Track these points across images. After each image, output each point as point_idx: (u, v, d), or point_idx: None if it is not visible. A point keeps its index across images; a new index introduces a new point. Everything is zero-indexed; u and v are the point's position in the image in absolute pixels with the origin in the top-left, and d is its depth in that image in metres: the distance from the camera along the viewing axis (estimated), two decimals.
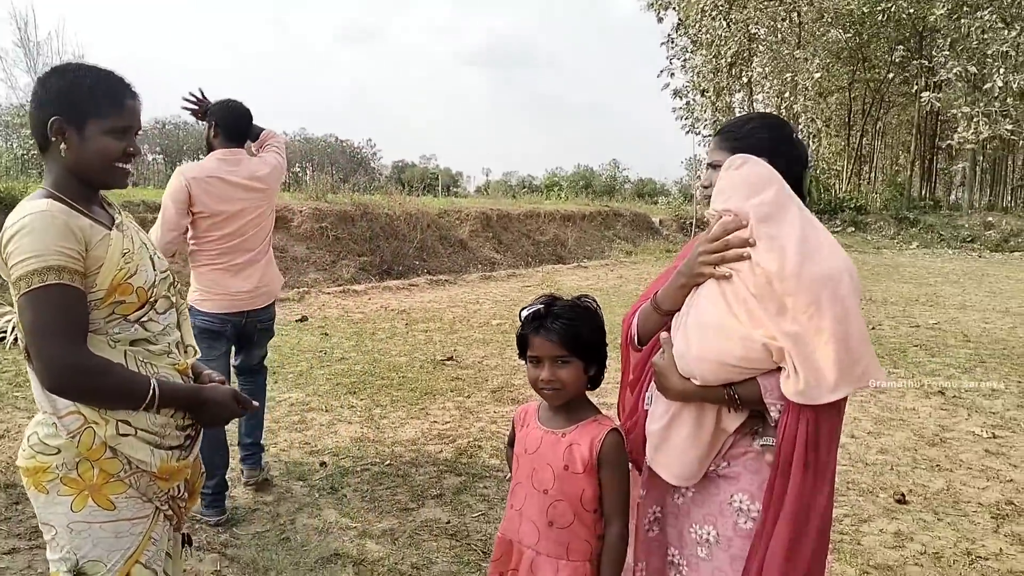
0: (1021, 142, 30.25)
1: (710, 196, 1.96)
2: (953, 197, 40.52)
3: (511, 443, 2.18)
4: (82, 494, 1.74)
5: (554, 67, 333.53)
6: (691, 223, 25.97)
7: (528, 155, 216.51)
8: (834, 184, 36.16)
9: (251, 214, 3.89)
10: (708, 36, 32.22)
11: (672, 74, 35.81)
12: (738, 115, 2.23)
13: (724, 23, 31.65)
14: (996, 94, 26.44)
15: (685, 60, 34.96)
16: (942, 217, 29.25)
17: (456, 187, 65.67)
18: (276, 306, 4.32)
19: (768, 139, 1.91)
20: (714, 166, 1.93)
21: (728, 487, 1.79)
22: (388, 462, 4.72)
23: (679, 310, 1.85)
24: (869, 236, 27.84)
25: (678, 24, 34.75)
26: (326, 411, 5.77)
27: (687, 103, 35.17)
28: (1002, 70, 25.64)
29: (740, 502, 1.77)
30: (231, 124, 3.89)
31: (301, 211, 14.56)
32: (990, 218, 28.25)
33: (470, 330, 9.33)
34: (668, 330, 1.88)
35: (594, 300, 2.02)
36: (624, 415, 2.07)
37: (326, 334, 8.81)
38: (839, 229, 28.35)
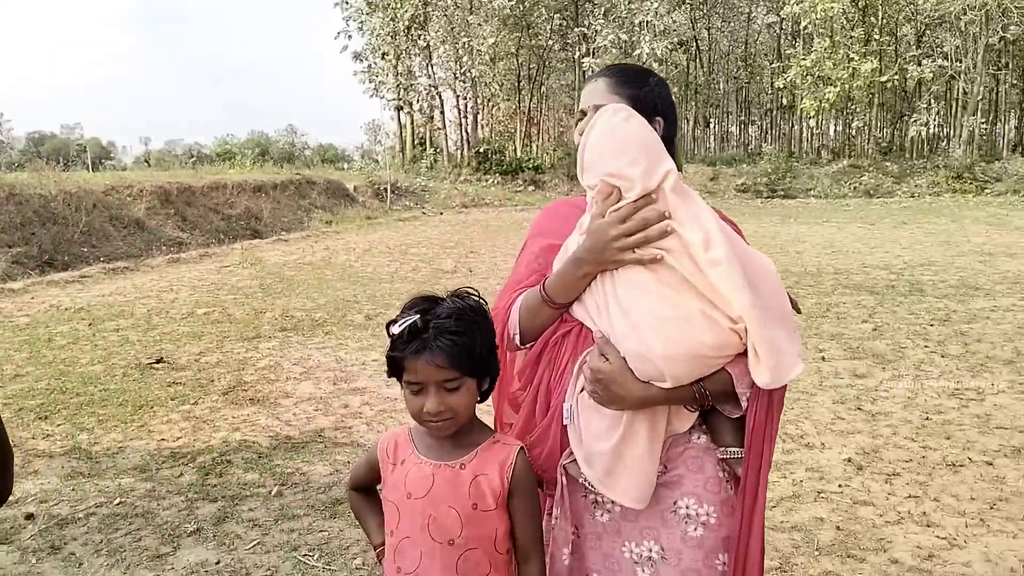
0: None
1: None
2: None
3: (360, 488, 1.72)
4: None
5: (213, 27, 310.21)
6: (385, 188, 25.80)
7: (193, 122, 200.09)
8: (508, 146, 38.17)
9: None
10: None
11: (350, 36, 35.09)
12: (623, 62, 1.97)
13: None
14: (644, 60, 29.71)
15: (362, 22, 34.37)
16: None
17: (110, 159, 58.64)
18: None
19: (666, 100, 1.70)
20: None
21: (669, 493, 1.56)
22: (118, 499, 3.87)
23: (575, 301, 1.57)
24: (548, 194, 29.92)
25: None
26: (15, 446, 4.61)
27: (369, 66, 34.72)
28: (647, 37, 28.84)
29: (687, 507, 1.56)
30: None
31: None
32: None
33: (173, 324, 8.21)
34: (564, 321, 1.61)
35: (476, 293, 1.60)
36: (515, 429, 1.71)
37: None
38: (522, 188, 30.09)
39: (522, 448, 1.57)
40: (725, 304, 1.42)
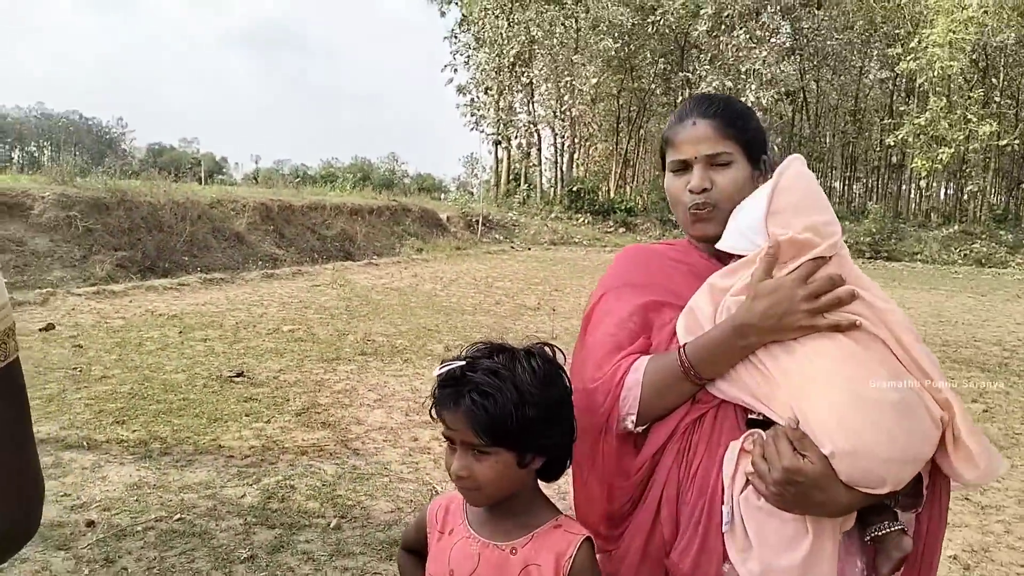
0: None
1: (707, 205, 1.42)
2: None
3: (411, 549, 1.52)
4: None
5: (327, 55, 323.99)
6: (477, 220, 26.01)
7: (300, 144, 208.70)
8: (601, 186, 38.03)
9: None
10: (491, 34, 32.59)
11: (455, 70, 35.91)
12: (708, 93, 1.70)
13: (506, 23, 32.14)
14: None
15: (468, 57, 35.14)
16: None
17: (222, 174, 61.53)
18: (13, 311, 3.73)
19: (766, 137, 1.48)
20: (719, 164, 1.42)
21: None
22: (178, 515, 3.83)
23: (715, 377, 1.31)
24: (638, 237, 29.54)
25: (461, 20, 34.86)
26: (88, 449, 4.68)
27: (471, 100, 35.39)
28: (753, 86, 28.37)
29: None
30: None
31: (44, 197, 12.50)
32: None
33: (258, 338, 8.32)
34: (698, 402, 1.32)
35: (555, 351, 1.38)
36: (634, 546, 1.36)
37: (80, 346, 7.42)
38: (612, 229, 29.82)
39: (588, 539, 1.32)
40: (930, 387, 1.20)
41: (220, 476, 4.37)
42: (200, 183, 24.64)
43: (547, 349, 1.37)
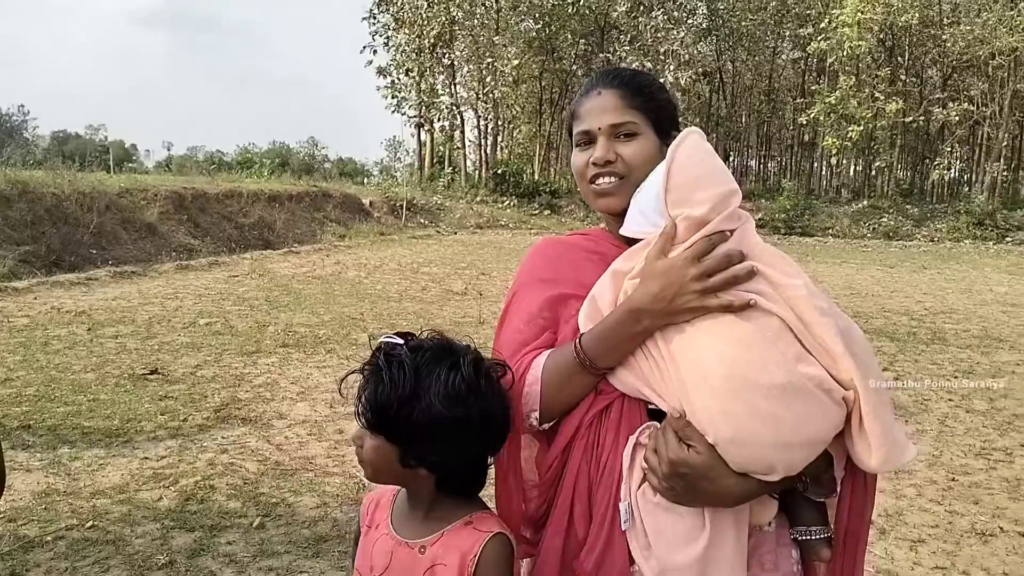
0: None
1: (613, 177, 1.37)
2: None
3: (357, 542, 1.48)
4: None
5: (244, 35, 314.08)
6: (401, 205, 25.71)
7: (215, 129, 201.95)
8: (526, 168, 38.08)
9: None
10: (410, 15, 32.12)
11: (375, 51, 35.28)
12: (620, 67, 1.62)
13: (426, 3, 31.73)
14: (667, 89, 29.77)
15: (388, 38, 34.55)
16: None
17: (132, 162, 59.19)
18: None
19: (675, 111, 1.45)
20: (624, 134, 1.36)
21: None
22: (91, 522, 3.65)
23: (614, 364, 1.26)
24: (563, 219, 29.75)
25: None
26: None
27: (392, 82, 34.85)
28: (672, 67, 28.81)
29: None
30: None
31: None
32: None
33: (173, 333, 8.02)
34: (601, 393, 1.27)
35: (504, 371, 1.32)
36: (549, 548, 1.29)
37: None
38: (537, 212, 29.94)
39: (496, 535, 1.27)
40: (833, 366, 1.14)
41: (135, 479, 4.20)
42: (108, 172, 23.56)
43: (495, 367, 1.30)
